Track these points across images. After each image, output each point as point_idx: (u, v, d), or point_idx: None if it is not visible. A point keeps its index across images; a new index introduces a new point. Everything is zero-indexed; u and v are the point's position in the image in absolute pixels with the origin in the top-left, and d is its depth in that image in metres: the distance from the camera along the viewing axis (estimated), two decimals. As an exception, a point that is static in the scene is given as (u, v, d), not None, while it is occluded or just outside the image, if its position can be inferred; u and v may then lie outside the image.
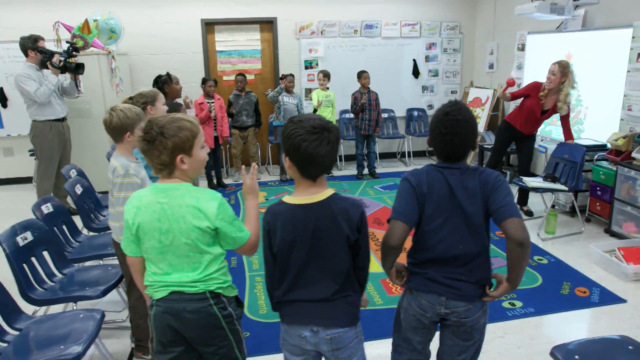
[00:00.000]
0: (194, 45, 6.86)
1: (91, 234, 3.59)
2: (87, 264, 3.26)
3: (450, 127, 1.78)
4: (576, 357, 2.00)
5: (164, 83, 3.95)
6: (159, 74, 4.08)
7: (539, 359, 2.74)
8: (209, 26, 6.91)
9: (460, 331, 1.86)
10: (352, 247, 1.71)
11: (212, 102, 6.00)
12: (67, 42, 4.86)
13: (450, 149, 1.81)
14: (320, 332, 1.69)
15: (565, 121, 4.73)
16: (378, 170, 6.89)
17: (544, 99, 4.65)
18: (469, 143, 1.82)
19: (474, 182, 1.79)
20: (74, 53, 4.79)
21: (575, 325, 3.15)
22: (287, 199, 1.70)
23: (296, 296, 1.71)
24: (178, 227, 1.69)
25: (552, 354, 2.05)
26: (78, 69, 4.81)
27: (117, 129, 2.35)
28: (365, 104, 6.27)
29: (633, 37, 4.62)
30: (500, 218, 1.72)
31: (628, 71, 4.70)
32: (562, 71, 4.50)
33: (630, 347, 2.07)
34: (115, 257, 2.71)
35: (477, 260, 1.82)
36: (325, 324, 1.69)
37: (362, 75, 6.33)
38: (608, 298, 3.39)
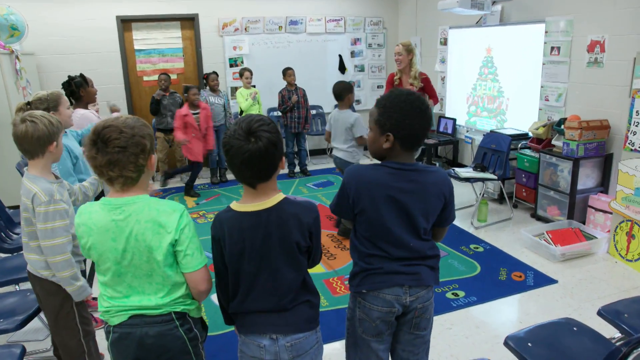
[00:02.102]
0: (110, 44, 6.42)
1: (3, 255, 3.22)
2: (1, 290, 2.92)
3: (422, 105, 1.69)
4: (529, 344, 2.05)
5: (79, 86, 3.55)
6: (68, 75, 3.70)
7: (486, 347, 2.79)
8: (125, 23, 6.49)
9: (422, 319, 1.81)
10: (305, 253, 1.62)
11: (197, 113, 5.58)
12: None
13: (423, 125, 1.70)
14: (280, 340, 1.59)
15: (426, 89, 4.91)
16: (309, 168, 6.83)
17: (398, 81, 4.94)
18: (428, 130, 1.76)
19: (427, 180, 1.75)
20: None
21: (516, 310, 3.25)
22: (235, 205, 1.57)
23: (252, 307, 1.59)
24: (136, 246, 1.50)
25: (506, 343, 2.09)
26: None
27: (42, 140, 2.00)
28: (294, 105, 6.19)
29: (546, 32, 4.88)
30: (440, 225, 1.85)
31: (543, 64, 4.96)
32: (407, 49, 4.82)
33: (575, 329, 2.18)
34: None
35: (428, 250, 1.80)
36: (284, 331, 1.59)
37: (287, 72, 6.22)
38: (541, 280, 3.54)
